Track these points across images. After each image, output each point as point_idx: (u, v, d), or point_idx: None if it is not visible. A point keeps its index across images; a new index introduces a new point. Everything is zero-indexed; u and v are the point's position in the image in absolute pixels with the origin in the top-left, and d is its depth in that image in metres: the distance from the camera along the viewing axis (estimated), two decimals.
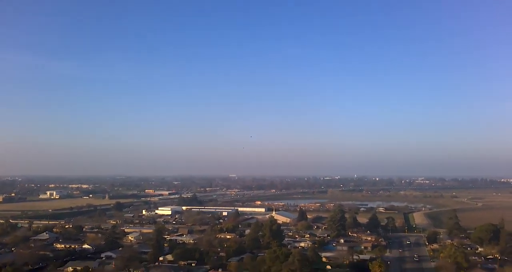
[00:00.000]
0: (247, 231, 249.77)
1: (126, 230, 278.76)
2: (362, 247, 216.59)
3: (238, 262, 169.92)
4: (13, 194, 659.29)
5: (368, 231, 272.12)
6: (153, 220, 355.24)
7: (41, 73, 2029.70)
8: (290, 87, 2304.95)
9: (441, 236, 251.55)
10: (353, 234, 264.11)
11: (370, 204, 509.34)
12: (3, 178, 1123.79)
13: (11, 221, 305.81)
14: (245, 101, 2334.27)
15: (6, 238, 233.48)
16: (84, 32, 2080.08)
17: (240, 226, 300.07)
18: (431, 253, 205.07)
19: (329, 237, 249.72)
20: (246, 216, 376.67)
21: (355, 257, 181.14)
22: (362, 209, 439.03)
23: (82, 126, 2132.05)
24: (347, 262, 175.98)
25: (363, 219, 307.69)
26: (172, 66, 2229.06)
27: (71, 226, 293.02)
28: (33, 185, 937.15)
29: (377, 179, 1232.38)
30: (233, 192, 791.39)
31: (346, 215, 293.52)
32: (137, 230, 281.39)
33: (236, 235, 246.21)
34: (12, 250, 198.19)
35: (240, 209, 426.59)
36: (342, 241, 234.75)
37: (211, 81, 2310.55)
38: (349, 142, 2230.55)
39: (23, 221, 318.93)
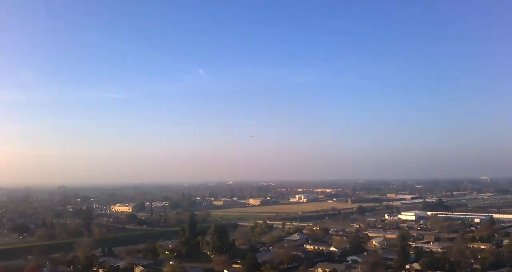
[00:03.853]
0: (506, 241, 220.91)
1: (369, 234, 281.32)
2: None
3: None
4: (268, 198, 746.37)
5: None
6: (396, 225, 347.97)
7: None
8: None
9: None
10: None
11: None
12: (260, 184, 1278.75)
13: (267, 222, 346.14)
14: None
15: (264, 237, 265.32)
16: None
17: (496, 235, 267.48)
18: None
19: None
20: (503, 224, 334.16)
21: None
22: None
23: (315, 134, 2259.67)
24: None
25: None
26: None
27: (318, 228, 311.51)
28: (284, 189, 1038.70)
29: None
30: (485, 196, 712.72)
31: None
32: (380, 234, 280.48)
33: (492, 245, 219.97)
34: (270, 249, 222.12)
35: (495, 215, 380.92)
36: None
37: None
38: None
39: (277, 222, 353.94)
